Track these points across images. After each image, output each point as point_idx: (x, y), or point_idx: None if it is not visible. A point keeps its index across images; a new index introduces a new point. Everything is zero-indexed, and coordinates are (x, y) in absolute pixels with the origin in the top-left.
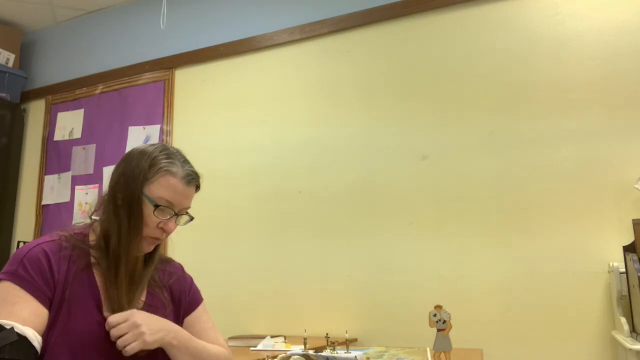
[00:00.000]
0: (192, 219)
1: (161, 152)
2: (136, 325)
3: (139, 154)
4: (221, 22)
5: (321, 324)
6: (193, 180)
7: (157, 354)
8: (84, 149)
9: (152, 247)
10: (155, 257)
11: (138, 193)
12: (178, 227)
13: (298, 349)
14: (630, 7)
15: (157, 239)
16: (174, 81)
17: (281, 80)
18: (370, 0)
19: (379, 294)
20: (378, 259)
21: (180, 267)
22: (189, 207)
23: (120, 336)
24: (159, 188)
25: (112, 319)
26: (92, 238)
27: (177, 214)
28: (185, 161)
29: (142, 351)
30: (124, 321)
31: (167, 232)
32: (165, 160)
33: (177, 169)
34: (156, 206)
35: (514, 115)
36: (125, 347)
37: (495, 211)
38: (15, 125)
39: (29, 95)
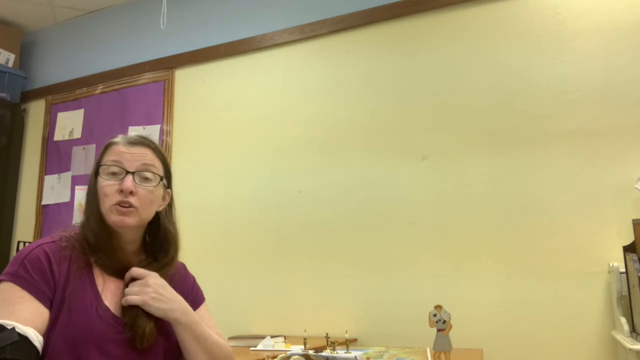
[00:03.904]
0: (162, 178)
1: (118, 136)
2: (146, 285)
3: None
4: (221, 22)
5: (321, 324)
6: (138, 142)
7: (159, 346)
8: (84, 149)
9: (124, 219)
10: (170, 254)
11: (92, 174)
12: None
13: (298, 349)
14: (630, 7)
15: (121, 205)
16: (174, 81)
17: (281, 80)
18: (370, 0)
19: (379, 294)
20: (378, 258)
21: (182, 267)
22: (152, 166)
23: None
24: (105, 158)
25: (134, 270)
26: None
27: (133, 173)
28: (138, 134)
29: (152, 333)
30: (142, 277)
31: (125, 192)
32: (114, 138)
33: (120, 138)
34: (99, 171)
35: (514, 115)
36: (126, 297)
37: (495, 211)
38: (15, 125)
39: (29, 95)
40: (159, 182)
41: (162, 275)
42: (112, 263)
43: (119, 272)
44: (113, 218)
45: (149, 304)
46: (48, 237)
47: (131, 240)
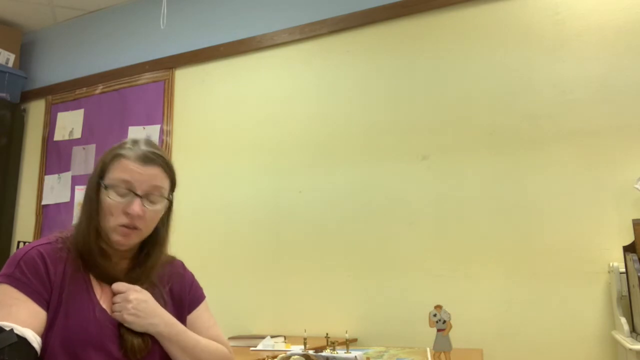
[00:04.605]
0: (170, 203)
1: (125, 142)
2: (127, 300)
3: (107, 150)
4: (221, 22)
5: (321, 324)
6: (150, 160)
7: (155, 353)
8: (84, 149)
9: (127, 239)
10: (153, 257)
11: (95, 183)
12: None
13: (298, 349)
14: (630, 7)
15: (127, 227)
16: (174, 81)
17: (281, 80)
18: (369, 0)
19: (379, 294)
20: (378, 258)
21: (180, 265)
22: (161, 189)
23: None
24: (114, 172)
25: (116, 285)
26: None
27: (141, 196)
28: (148, 143)
29: (141, 348)
30: (124, 292)
31: (132, 216)
32: (123, 148)
33: (131, 152)
34: (107, 187)
35: (514, 115)
36: (113, 312)
37: (495, 211)
38: (15, 125)
39: (29, 95)
40: (165, 202)
41: (150, 279)
42: (99, 272)
43: (108, 279)
44: (115, 237)
45: (128, 321)
46: (44, 238)
47: (127, 250)
